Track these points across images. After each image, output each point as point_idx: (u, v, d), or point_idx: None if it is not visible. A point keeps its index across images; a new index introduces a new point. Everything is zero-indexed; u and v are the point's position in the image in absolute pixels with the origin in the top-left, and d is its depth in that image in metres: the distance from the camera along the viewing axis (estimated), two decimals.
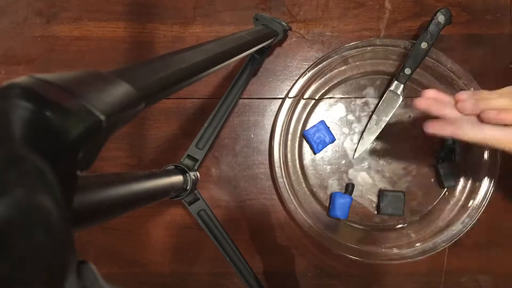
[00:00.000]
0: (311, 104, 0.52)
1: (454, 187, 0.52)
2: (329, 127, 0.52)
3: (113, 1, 0.54)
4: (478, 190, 0.50)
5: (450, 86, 0.51)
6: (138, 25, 0.53)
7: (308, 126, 0.52)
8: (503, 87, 0.54)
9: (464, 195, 0.51)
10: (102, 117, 0.16)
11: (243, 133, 0.53)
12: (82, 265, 0.16)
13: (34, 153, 0.14)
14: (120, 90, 0.19)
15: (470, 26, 0.54)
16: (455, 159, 0.51)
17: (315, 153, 0.52)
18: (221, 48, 0.32)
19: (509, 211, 0.53)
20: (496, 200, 0.50)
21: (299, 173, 0.52)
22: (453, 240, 0.49)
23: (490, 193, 0.49)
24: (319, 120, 0.52)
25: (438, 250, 0.49)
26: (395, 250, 0.50)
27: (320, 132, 0.51)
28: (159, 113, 0.53)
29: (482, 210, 0.49)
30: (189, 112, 0.53)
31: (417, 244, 0.50)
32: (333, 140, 0.52)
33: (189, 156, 0.48)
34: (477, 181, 0.50)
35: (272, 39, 0.46)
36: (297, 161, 0.52)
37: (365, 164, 0.52)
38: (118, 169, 0.53)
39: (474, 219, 0.49)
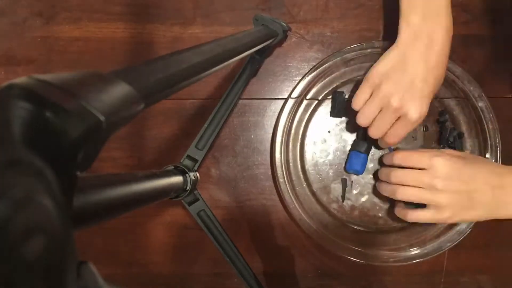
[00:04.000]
0: (313, 106, 0.52)
1: None
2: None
3: (112, 1, 0.54)
4: None
5: (450, 87, 0.51)
6: (138, 26, 0.53)
7: (310, 127, 0.52)
8: (503, 87, 0.54)
9: None
10: (102, 118, 0.16)
11: (243, 133, 0.53)
12: (82, 265, 0.16)
13: (33, 154, 0.14)
14: (120, 91, 0.19)
15: (470, 26, 0.54)
16: None
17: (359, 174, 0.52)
18: (221, 48, 0.32)
19: None
20: None
21: (300, 173, 0.52)
22: (457, 240, 0.49)
23: None
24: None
25: (443, 251, 0.49)
26: (398, 252, 0.50)
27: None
28: (159, 114, 0.53)
29: None
30: (189, 113, 0.53)
31: (420, 246, 0.50)
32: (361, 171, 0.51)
33: (188, 157, 0.48)
34: None
35: (272, 40, 0.46)
36: (299, 162, 0.52)
37: (368, 166, 0.52)
38: (118, 170, 0.53)
39: None
